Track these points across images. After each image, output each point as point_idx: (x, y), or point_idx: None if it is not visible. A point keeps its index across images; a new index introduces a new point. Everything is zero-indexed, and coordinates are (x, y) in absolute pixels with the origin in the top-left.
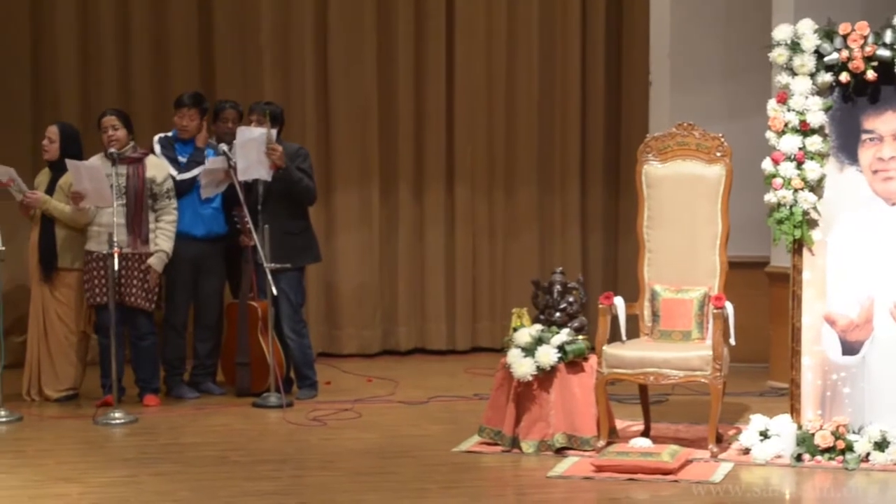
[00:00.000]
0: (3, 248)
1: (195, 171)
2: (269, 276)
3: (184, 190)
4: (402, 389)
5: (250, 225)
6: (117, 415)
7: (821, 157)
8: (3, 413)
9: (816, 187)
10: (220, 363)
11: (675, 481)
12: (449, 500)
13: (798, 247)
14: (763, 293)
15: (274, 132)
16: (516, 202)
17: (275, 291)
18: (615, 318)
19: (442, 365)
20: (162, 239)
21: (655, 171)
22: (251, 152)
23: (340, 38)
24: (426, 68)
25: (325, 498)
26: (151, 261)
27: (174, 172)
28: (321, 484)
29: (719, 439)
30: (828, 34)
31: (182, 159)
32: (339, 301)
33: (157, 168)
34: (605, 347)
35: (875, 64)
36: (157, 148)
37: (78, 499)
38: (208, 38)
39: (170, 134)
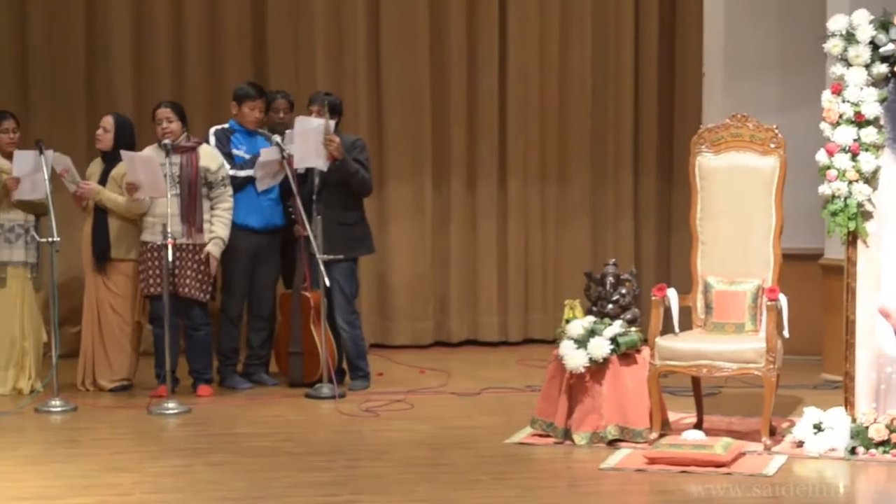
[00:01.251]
0: (58, 239)
1: (248, 172)
2: (323, 267)
3: (237, 185)
4: (454, 381)
5: (304, 215)
6: (171, 405)
7: (876, 148)
8: (58, 403)
9: (871, 179)
10: (273, 354)
11: (728, 474)
12: (501, 492)
13: (852, 239)
14: (817, 285)
15: (332, 123)
16: (569, 194)
17: (328, 282)
18: (668, 310)
19: (494, 356)
20: (218, 226)
21: (709, 163)
22: (309, 142)
23: (393, 30)
24: (479, 59)
25: (378, 489)
26: (209, 248)
27: (227, 167)
28: (374, 475)
29: (772, 432)
30: (883, 24)
31: (237, 152)
32: (392, 292)
33: (211, 157)
34: (657, 339)
35: None
36: (213, 140)
37: (131, 488)
38: (261, 30)
39: (226, 126)
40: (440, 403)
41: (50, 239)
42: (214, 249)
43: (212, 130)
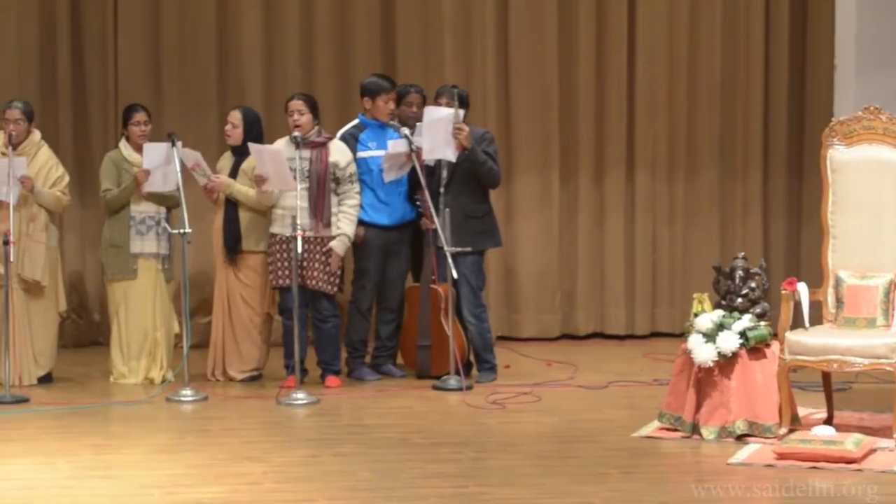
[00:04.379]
0: (190, 231)
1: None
2: (450, 260)
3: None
4: (581, 374)
5: (432, 208)
6: (300, 395)
7: None
8: (189, 392)
9: None
10: (401, 346)
11: (859, 470)
12: (628, 486)
13: None
14: None
15: (461, 112)
16: (697, 187)
17: (455, 275)
18: (798, 305)
19: (621, 350)
20: (344, 222)
21: (841, 156)
22: (438, 132)
23: (522, 24)
24: (607, 52)
25: (506, 481)
26: (333, 244)
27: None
28: (501, 467)
29: None
30: None
31: (363, 154)
32: (519, 285)
33: (341, 152)
34: (787, 334)
35: None
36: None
37: (261, 477)
38: (390, 25)
39: (355, 123)
40: (567, 396)
41: (181, 230)
42: (339, 247)
43: (338, 134)
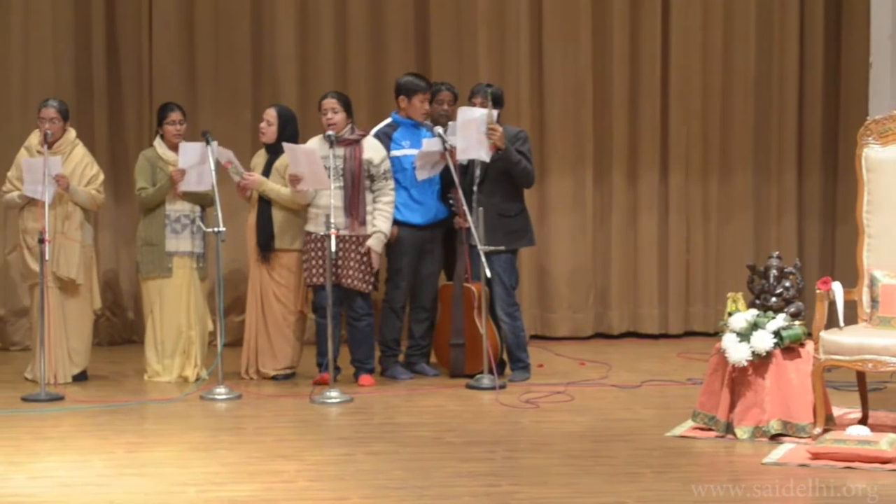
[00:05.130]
0: (224, 229)
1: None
2: (483, 259)
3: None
4: (614, 373)
5: (465, 207)
6: (333, 394)
7: None
8: (222, 390)
9: None
10: (434, 344)
11: (894, 470)
12: (662, 485)
13: None
14: None
15: (495, 113)
16: (731, 187)
17: (489, 274)
18: (833, 304)
19: (655, 349)
20: (380, 220)
21: (876, 155)
22: (471, 132)
23: (555, 22)
24: (641, 52)
25: (538, 480)
26: (370, 242)
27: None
28: (534, 466)
29: None
30: None
31: (396, 153)
32: (552, 284)
33: (375, 149)
34: (822, 333)
35: None
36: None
37: (295, 476)
38: (424, 22)
39: (388, 121)
40: (600, 395)
41: (216, 229)
42: (376, 244)
43: (371, 132)
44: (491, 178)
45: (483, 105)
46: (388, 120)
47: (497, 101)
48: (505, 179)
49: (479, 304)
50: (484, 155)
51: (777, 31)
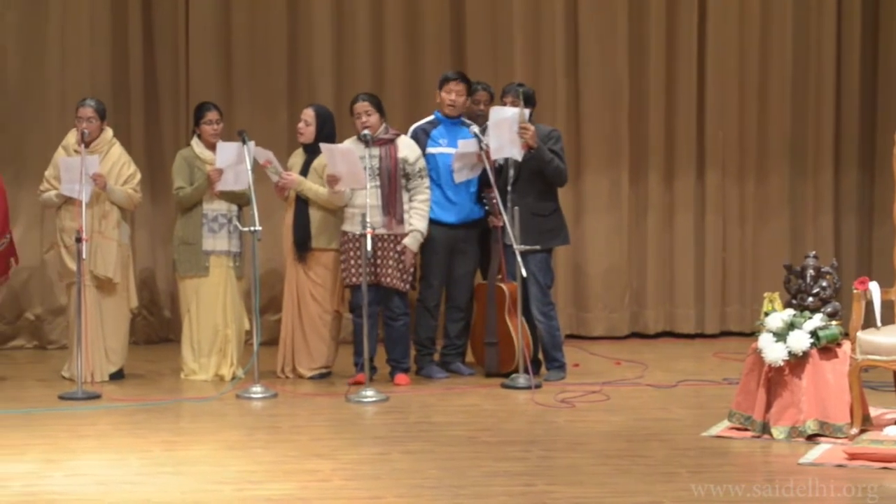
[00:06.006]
0: (260, 229)
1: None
2: (518, 258)
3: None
4: (650, 372)
5: (500, 206)
6: (369, 393)
7: None
8: (258, 389)
9: None
10: (469, 343)
11: None
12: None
13: None
14: None
15: (527, 112)
16: (768, 186)
17: (524, 273)
18: (870, 304)
19: (690, 348)
20: (416, 218)
21: None
22: (504, 132)
23: (591, 21)
24: (677, 51)
25: (574, 480)
26: (407, 241)
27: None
28: (569, 465)
29: None
30: None
31: (432, 150)
32: (588, 283)
33: (409, 148)
34: (859, 333)
35: None
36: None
37: (330, 474)
38: (460, 22)
39: (429, 119)
40: (636, 395)
41: (252, 228)
42: (412, 242)
43: (411, 129)
44: (524, 178)
45: (514, 104)
46: (430, 117)
47: (528, 100)
48: (538, 179)
49: (511, 303)
50: (516, 154)
51: (814, 30)
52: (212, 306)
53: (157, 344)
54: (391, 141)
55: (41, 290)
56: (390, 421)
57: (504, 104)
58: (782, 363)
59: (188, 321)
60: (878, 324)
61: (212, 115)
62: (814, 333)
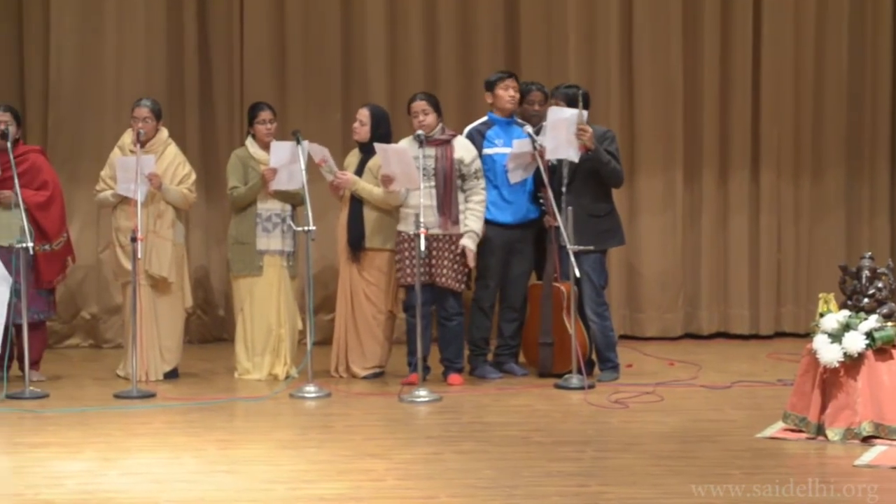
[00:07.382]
0: (314, 228)
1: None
2: (573, 258)
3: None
4: (704, 373)
5: (555, 207)
6: (422, 393)
7: None
8: (312, 388)
9: None
10: (524, 343)
11: None
12: (752, 487)
13: None
14: None
15: (585, 113)
16: (823, 186)
17: (578, 273)
18: None
19: (745, 349)
20: (472, 219)
21: None
22: (561, 132)
23: (646, 21)
24: (732, 52)
25: (627, 480)
26: (464, 241)
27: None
28: (623, 466)
29: None
30: None
31: (488, 151)
32: (642, 284)
33: (466, 149)
34: None
35: None
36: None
37: (384, 474)
38: (514, 22)
39: (483, 120)
40: (690, 396)
41: (306, 228)
42: (469, 243)
43: (465, 130)
44: (580, 179)
45: (560, 106)
46: (484, 118)
47: (584, 103)
48: (593, 180)
49: (567, 303)
50: (573, 155)
51: (870, 29)
52: (265, 306)
53: (212, 343)
54: (447, 142)
55: (97, 289)
56: (443, 421)
57: (555, 105)
58: (837, 364)
59: (242, 320)
60: None
61: (265, 114)
62: (869, 335)
